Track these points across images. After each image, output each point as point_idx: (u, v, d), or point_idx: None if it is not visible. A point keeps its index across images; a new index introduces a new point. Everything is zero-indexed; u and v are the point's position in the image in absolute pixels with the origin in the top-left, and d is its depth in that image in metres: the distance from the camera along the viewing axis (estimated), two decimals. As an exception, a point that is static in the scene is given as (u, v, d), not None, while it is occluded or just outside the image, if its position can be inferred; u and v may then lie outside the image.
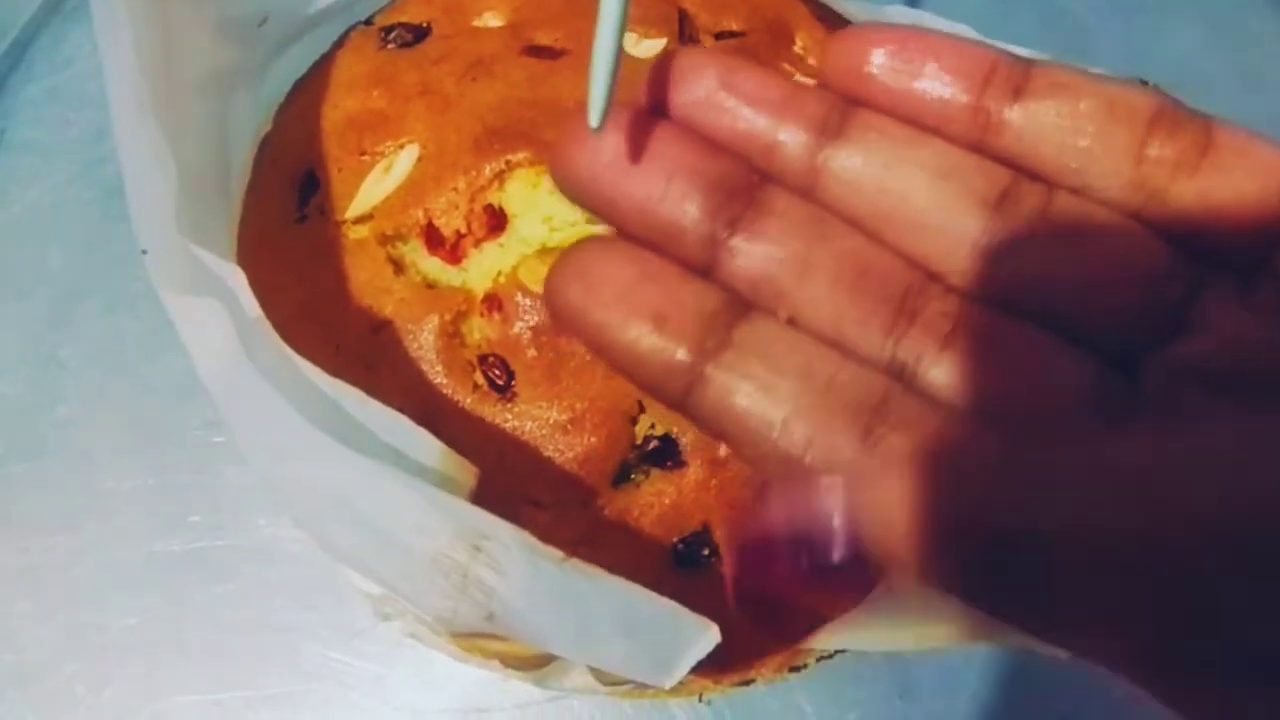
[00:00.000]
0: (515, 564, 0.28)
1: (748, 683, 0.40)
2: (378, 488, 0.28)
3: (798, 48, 0.44)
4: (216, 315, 0.29)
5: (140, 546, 0.43)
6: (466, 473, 0.31)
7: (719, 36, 0.44)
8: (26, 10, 0.53)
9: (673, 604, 0.28)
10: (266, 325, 0.30)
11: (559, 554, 0.28)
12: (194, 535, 0.43)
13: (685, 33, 0.43)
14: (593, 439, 0.36)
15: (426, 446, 0.30)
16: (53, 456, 0.44)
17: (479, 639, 0.36)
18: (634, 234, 0.23)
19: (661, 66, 0.24)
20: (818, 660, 0.40)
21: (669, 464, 0.36)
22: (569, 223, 0.38)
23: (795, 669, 0.40)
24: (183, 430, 0.44)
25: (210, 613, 0.42)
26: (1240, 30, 0.56)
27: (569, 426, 0.36)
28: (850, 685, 0.41)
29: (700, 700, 0.40)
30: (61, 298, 0.48)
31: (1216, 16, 0.57)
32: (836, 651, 0.41)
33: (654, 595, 0.28)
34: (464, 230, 0.38)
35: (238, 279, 0.30)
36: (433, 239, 0.38)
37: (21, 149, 0.51)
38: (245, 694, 0.41)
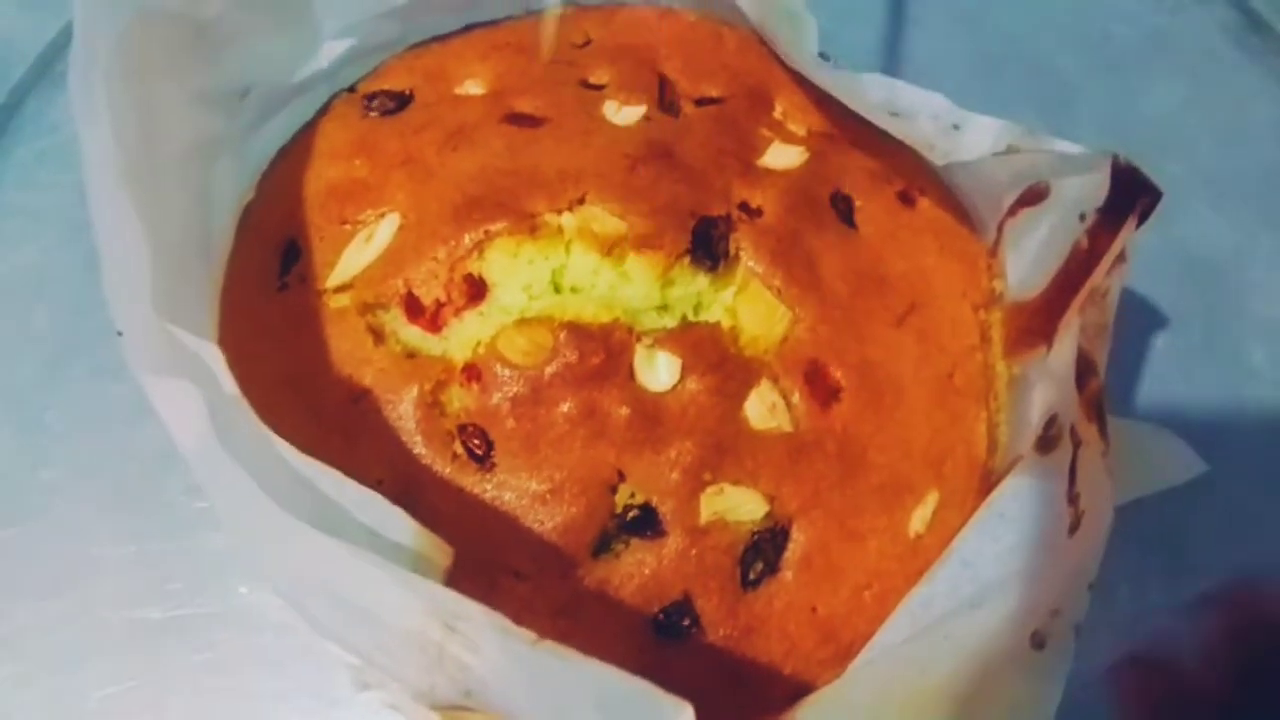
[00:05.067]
0: (489, 644, 0.28)
1: (731, 753, 0.40)
2: (350, 567, 0.28)
3: (777, 113, 0.45)
4: (191, 397, 0.29)
5: (121, 613, 0.43)
6: (442, 552, 0.31)
7: (699, 103, 0.44)
8: (15, 74, 0.54)
9: (647, 684, 0.27)
10: (243, 403, 0.30)
11: (532, 636, 0.27)
12: (174, 602, 0.43)
13: (665, 99, 0.44)
14: (572, 509, 0.36)
15: (401, 526, 0.30)
16: (36, 522, 0.44)
17: (459, 711, 0.35)
18: None
19: None
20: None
21: (649, 533, 0.36)
22: (548, 291, 0.38)
23: (779, 737, 0.40)
24: (165, 496, 0.44)
25: (190, 680, 0.41)
26: (1220, 87, 0.57)
27: (548, 496, 0.36)
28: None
29: (683, 769, 0.40)
30: (48, 361, 0.48)
31: (1197, 74, 0.57)
32: None
33: (628, 675, 0.27)
34: (444, 299, 0.38)
35: (214, 356, 0.31)
36: (413, 308, 0.38)
37: (9, 212, 0.51)
38: (225, 764, 0.40)
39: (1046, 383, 0.37)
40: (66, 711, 0.41)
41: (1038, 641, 0.29)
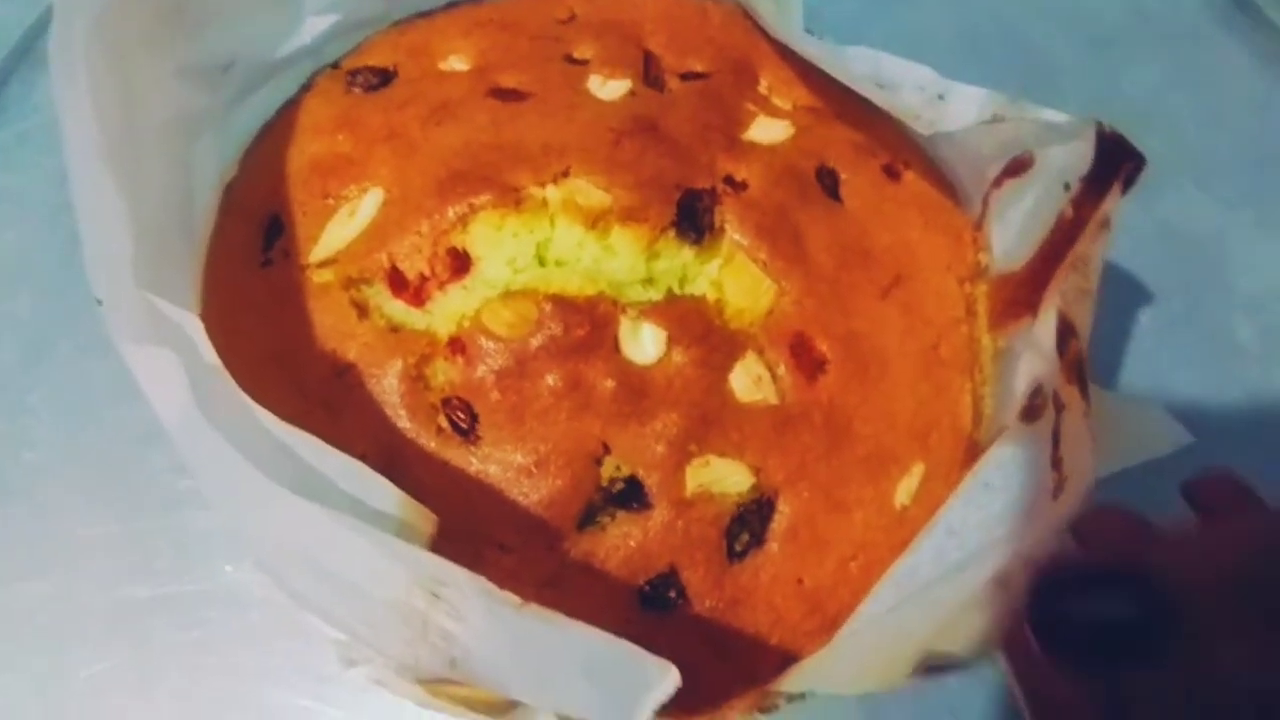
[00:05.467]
0: (474, 610, 0.28)
1: (718, 726, 0.40)
2: (333, 535, 0.28)
3: (762, 88, 0.45)
4: (172, 365, 0.29)
5: (106, 593, 0.42)
6: (425, 519, 0.31)
7: (684, 78, 0.44)
8: (-3, 56, 0.53)
9: (632, 646, 0.27)
10: (224, 373, 0.30)
11: (516, 600, 0.27)
12: (160, 581, 0.42)
13: (650, 74, 0.44)
14: (557, 481, 0.36)
15: (384, 493, 0.30)
16: (20, 503, 0.44)
17: (444, 685, 0.35)
18: None
19: None
20: (788, 701, 0.40)
21: (635, 505, 0.36)
22: (532, 265, 0.38)
23: (765, 710, 0.40)
24: (149, 475, 0.44)
25: (176, 659, 0.41)
26: (1204, 64, 0.57)
27: (533, 469, 0.36)
28: (823, 727, 0.41)
29: (671, 743, 0.40)
30: (31, 343, 0.47)
31: (1180, 54, 0.57)
32: (806, 692, 0.40)
33: (613, 638, 0.27)
34: (428, 273, 0.38)
35: (194, 326, 0.30)
36: (397, 282, 0.38)
37: (-8, 194, 0.51)
38: (211, 741, 0.40)
39: (1031, 353, 0.37)
40: (53, 692, 0.41)
41: (1002, 581, 0.29)
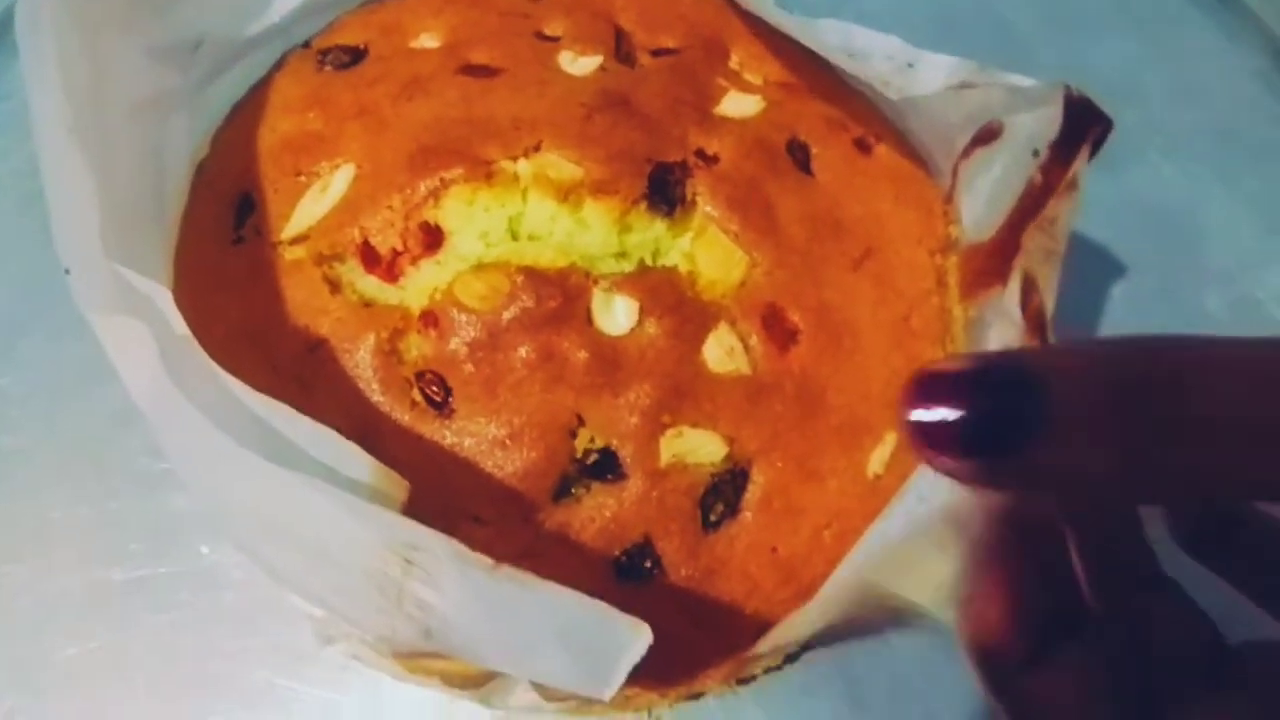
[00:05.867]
0: (447, 576, 0.28)
1: (696, 696, 0.40)
2: (305, 501, 0.28)
3: (733, 63, 0.45)
4: (141, 335, 0.29)
5: (82, 575, 0.42)
6: (398, 486, 0.31)
7: (655, 54, 0.44)
8: (-35, 43, 0.53)
9: (604, 605, 0.27)
10: (193, 343, 0.30)
11: (489, 561, 0.28)
12: (136, 563, 0.42)
13: (621, 50, 0.44)
14: (532, 453, 0.36)
15: (356, 461, 0.30)
16: (-4, 488, 0.44)
17: (421, 658, 0.35)
18: None
19: None
20: (765, 671, 0.40)
21: (609, 477, 0.36)
22: (505, 239, 0.38)
23: (743, 681, 0.40)
24: (125, 458, 0.44)
25: (153, 641, 0.41)
26: (1175, 42, 0.57)
27: (507, 442, 0.36)
28: (801, 696, 0.41)
29: (649, 716, 0.40)
30: (3, 328, 0.47)
31: (1152, 29, 0.58)
32: (785, 662, 0.41)
33: (585, 598, 0.28)
34: (400, 248, 0.38)
35: (163, 296, 0.30)
36: (369, 257, 0.38)
37: (-38, 180, 0.51)
38: (191, 722, 0.40)
39: (1002, 322, 0.37)
40: (30, 675, 0.41)
41: (955, 520, 0.29)
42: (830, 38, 0.40)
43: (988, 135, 0.38)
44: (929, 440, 0.19)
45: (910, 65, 0.38)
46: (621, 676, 0.28)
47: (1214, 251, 0.51)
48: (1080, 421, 0.18)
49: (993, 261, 0.39)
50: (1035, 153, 0.37)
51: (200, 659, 0.41)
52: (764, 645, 0.33)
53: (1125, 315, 0.49)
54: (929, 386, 0.19)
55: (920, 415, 0.19)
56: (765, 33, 0.44)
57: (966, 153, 0.40)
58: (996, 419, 0.19)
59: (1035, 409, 0.18)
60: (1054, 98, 0.35)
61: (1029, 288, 0.33)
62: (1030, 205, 0.37)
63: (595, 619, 0.27)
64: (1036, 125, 0.36)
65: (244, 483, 0.29)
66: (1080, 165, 0.34)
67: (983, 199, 0.39)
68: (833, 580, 0.35)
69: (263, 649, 0.41)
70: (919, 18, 0.57)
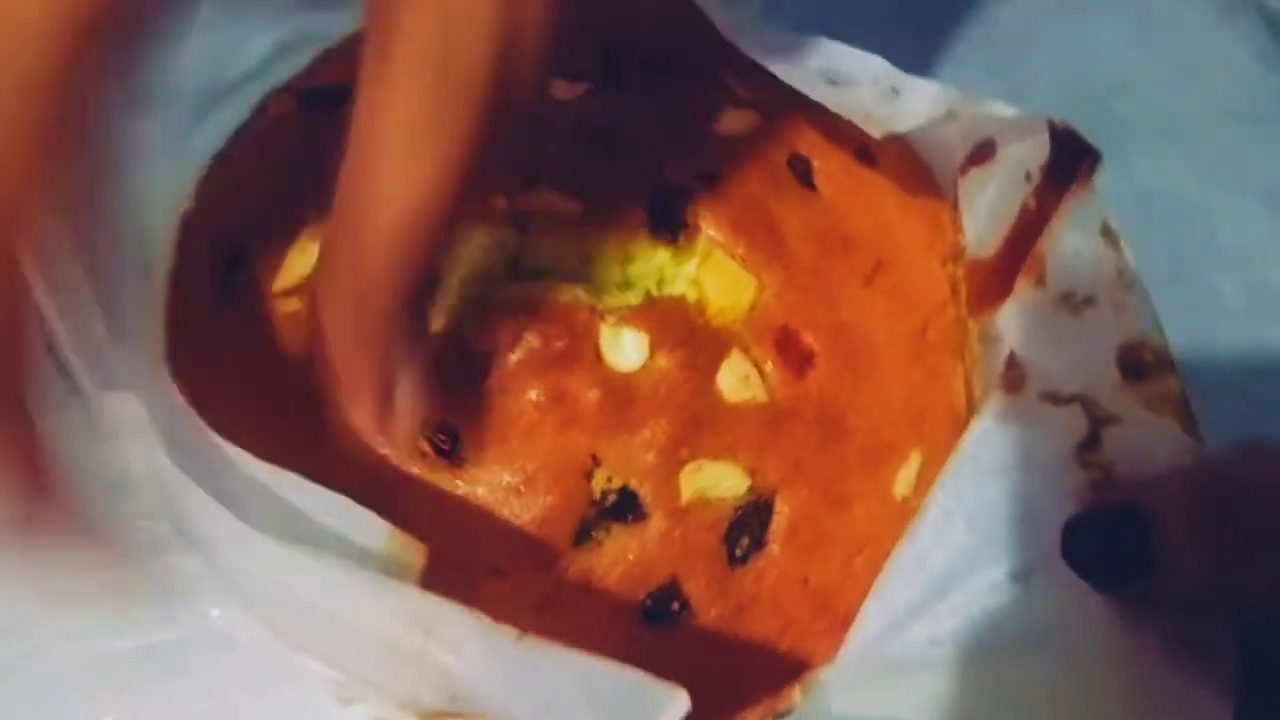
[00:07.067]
0: (471, 644, 0.27)
1: (735, 737, 0.39)
2: (320, 578, 0.27)
3: (726, 79, 0.43)
4: (135, 411, 0.28)
5: (88, 646, 0.41)
6: (415, 552, 0.30)
7: (645, 74, 0.43)
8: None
9: (637, 672, 0.26)
10: (192, 414, 0.29)
11: (514, 632, 0.26)
12: (143, 630, 0.41)
13: (610, 72, 0.43)
14: (548, 499, 0.35)
15: (370, 527, 0.29)
16: (-7, 560, 0.43)
17: (448, 718, 0.34)
18: None
19: None
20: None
21: (630, 517, 0.35)
22: (505, 277, 0.37)
23: (780, 716, 0.39)
24: (122, 521, 0.42)
25: (165, 708, 0.40)
26: (1172, 25, 0.56)
27: (522, 488, 0.35)
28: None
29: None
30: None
31: (1148, 12, 0.57)
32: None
33: (618, 665, 0.26)
34: (398, 293, 0.37)
35: (158, 369, 0.29)
36: (366, 305, 0.37)
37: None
38: (207, 794, 0.39)
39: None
40: (40, 753, 0.40)
41: None
42: (811, 60, 0.39)
43: (982, 156, 0.38)
44: None
45: (895, 91, 0.37)
46: (661, 743, 0.27)
47: (1224, 236, 0.50)
48: None
49: (995, 280, 0.38)
50: (1028, 176, 0.36)
51: (216, 726, 0.40)
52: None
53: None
54: None
55: None
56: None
57: (963, 170, 0.39)
58: None
59: None
60: (1039, 128, 0.35)
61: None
62: (1027, 228, 0.36)
63: (628, 685, 0.26)
64: (1028, 149, 0.36)
65: (252, 560, 0.28)
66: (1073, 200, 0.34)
67: (982, 218, 0.39)
68: (866, 611, 0.34)
69: (279, 713, 0.39)
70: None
